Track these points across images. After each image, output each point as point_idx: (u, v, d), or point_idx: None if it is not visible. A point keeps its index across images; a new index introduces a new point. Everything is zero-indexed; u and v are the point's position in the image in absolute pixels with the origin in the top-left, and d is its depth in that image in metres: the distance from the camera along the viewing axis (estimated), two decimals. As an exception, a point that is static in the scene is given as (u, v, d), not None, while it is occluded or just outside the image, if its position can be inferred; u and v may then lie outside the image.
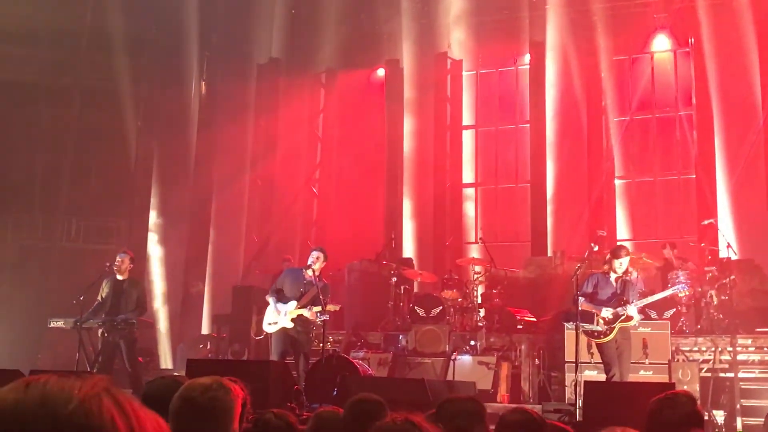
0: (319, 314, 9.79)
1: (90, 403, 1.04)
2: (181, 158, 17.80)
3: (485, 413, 3.56)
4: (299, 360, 10.05)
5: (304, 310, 9.89)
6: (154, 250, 17.15)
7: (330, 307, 9.80)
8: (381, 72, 18.33)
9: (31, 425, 1.01)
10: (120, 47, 16.77)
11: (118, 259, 10.85)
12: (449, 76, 17.72)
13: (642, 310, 9.78)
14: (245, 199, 18.13)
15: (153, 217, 17.37)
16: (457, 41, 17.27)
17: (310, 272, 10.07)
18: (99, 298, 10.83)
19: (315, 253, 10.28)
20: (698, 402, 4.12)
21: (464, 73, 17.80)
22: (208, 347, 14.78)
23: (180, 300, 17.03)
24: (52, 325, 11.20)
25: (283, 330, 10.06)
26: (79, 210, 17.07)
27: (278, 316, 10.08)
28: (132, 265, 10.99)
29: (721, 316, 11.49)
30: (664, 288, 10.70)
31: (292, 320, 9.98)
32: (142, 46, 16.97)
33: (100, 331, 10.69)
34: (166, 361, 15.75)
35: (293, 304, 10.00)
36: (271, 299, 10.25)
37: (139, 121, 17.48)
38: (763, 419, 8.55)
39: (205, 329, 16.54)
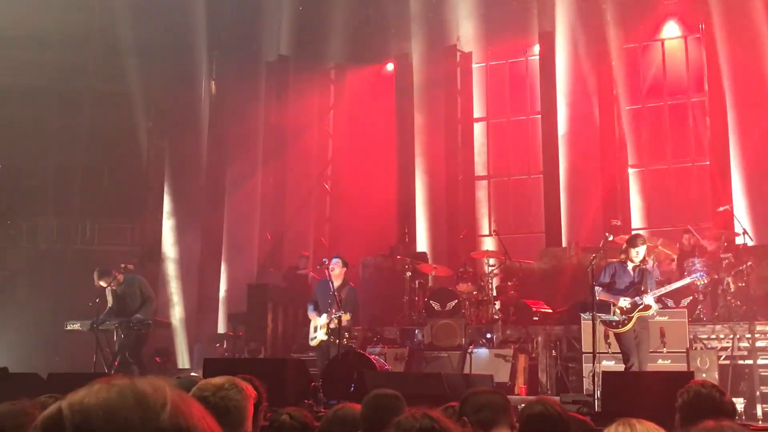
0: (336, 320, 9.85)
1: (183, 407, 1.04)
2: (192, 158, 17.83)
3: (509, 405, 3.54)
4: None
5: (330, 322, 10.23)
6: (169, 250, 17.19)
7: (344, 318, 9.94)
8: (390, 67, 18.29)
9: (134, 425, 1.00)
10: (129, 49, 16.80)
11: (104, 284, 10.97)
12: (459, 69, 17.66)
13: (659, 299, 9.71)
14: (258, 197, 18.14)
15: (166, 217, 17.40)
16: (465, 34, 17.21)
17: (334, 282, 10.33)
18: (108, 305, 10.99)
19: (333, 261, 10.55)
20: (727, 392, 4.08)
21: (474, 66, 17.74)
22: (225, 346, 14.83)
23: (196, 299, 17.07)
24: (68, 327, 11.28)
25: (323, 342, 10.40)
26: (92, 212, 17.14)
27: (317, 331, 10.46)
28: (120, 275, 11.08)
29: (738, 302, 11.40)
30: (681, 276, 10.63)
31: (326, 333, 10.28)
32: (151, 47, 16.99)
33: (115, 332, 10.76)
34: (183, 361, 15.80)
35: (324, 317, 10.34)
36: (310, 313, 10.63)
37: (150, 122, 17.52)
38: (783, 406, 8.50)
39: (221, 328, 16.59)
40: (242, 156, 18.09)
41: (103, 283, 11.03)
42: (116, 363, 10.62)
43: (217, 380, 2.96)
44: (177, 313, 16.48)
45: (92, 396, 1.02)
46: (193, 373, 11.97)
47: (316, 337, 10.47)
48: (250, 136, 18.10)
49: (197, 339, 16.12)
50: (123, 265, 11.33)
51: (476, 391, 3.62)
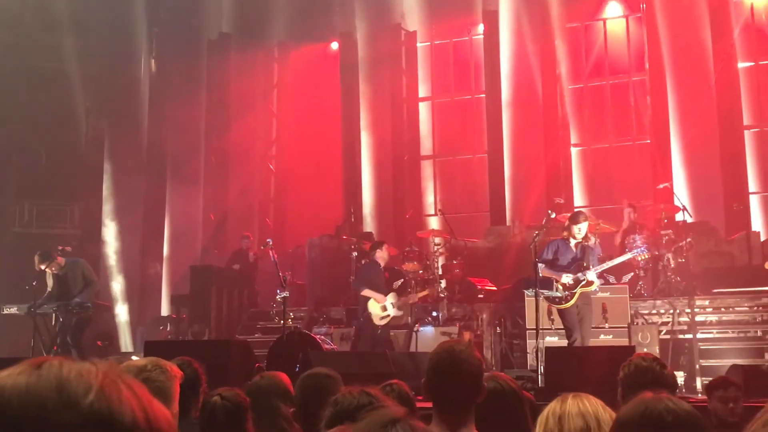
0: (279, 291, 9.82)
1: (110, 392, 0.97)
2: (133, 138, 17.45)
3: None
4: None
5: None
6: (109, 231, 16.85)
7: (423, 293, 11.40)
8: (335, 45, 18.14)
9: (49, 415, 0.93)
10: (66, 27, 16.33)
11: (45, 269, 10.74)
12: (404, 48, 17.61)
13: (601, 275, 9.85)
14: (200, 178, 17.89)
15: (106, 199, 17.04)
16: (410, 13, 17.14)
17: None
18: (49, 289, 10.72)
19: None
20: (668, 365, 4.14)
21: (419, 45, 17.71)
22: (168, 329, 14.62)
23: (138, 282, 16.79)
24: (5, 311, 11.02)
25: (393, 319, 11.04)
26: (30, 194, 16.68)
27: (386, 309, 10.86)
28: (56, 257, 10.84)
29: (678, 278, 11.62)
30: (622, 253, 10.79)
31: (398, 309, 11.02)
32: (87, 25, 16.54)
33: (54, 316, 10.52)
34: (126, 345, 15.55)
35: (392, 295, 10.98)
36: (372, 293, 10.89)
37: (88, 102, 17.07)
38: (721, 378, 8.68)
39: (164, 311, 16.35)
40: (184, 136, 17.78)
41: (43, 267, 10.76)
42: (55, 347, 10.39)
43: (140, 361, 2.89)
44: (118, 296, 16.18)
45: (12, 378, 0.96)
46: (134, 357, 11.79)
47: (388, 315, 10.78)
48: (191, 115, 17.79)
49: (140, 322, 15.88)
50: (61, 248, 11.10)
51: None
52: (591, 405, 2.45)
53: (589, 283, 9.24)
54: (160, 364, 2.88)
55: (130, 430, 0.96)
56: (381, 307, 10.78)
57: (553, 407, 2.48)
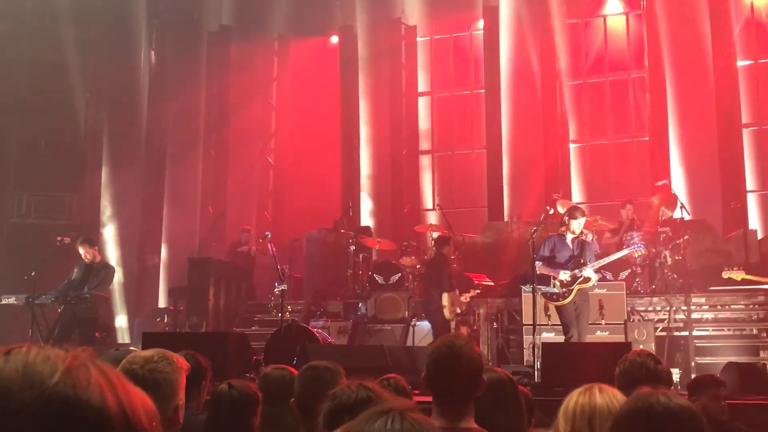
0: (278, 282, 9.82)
1: (77, 374, 0.97)
2: (132, 129, 17.45)
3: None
4: None
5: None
6: (107, 223, 16.85)
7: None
8: (335, 39, 18.12)
9: (12, 396, 0.94)
10: (66, 17, 16.31)
11: (80, 251, 10.69)
12: (403, 42, 17.60)
13: (597, 272, 9.86)
14: (199, 170, 17.88)
15: (105, 190, 17.04)
16: (410, 7, 17.14)
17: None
18: (69, 279, 10.66)
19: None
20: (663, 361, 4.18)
21: (418, 39, 17.70)
22: (166, 320, 14.63)
23: (135, 274, 16.80)
24: (3, 301, 10.99)
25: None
26: (29, 185, 16.69)
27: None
28: (96, 249, 10.83)
29: (675, 275, 11.65)
30: (620, 250, 10.81)
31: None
32: (88, 16, 16.52)
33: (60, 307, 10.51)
34: (123, 336, 15.57)
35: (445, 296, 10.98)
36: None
37: (88, 93, 17.06)
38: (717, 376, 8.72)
39: (161, 302, 16.37)
40: (183, 128, 17.78)
41: (82, 250, 10.66)
42: (54, 336, 10.38)
43: (147, 353, 2.90)
44: (116, 288, 16.19)
45: None
46: (132, 348, 11.80)
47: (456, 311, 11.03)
48: (191, 107, 17.79)
49: (137, 314, 15.88)
50: (60, 239, 11.07)
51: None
52: (619, 402, 2.44)
53: (586, 280, 9.26)
54: (167, 356, 2.90)
55: (99, 413, 0.96)
56: (450, 302, 10.95)
57: (580, 402, 2.47)
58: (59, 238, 10.99)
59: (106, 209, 16.95)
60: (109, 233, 16.74)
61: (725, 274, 10.38)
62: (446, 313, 10.87)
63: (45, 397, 0.94)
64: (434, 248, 11.78)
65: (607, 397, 2.46)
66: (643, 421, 2.03)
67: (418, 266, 12.81)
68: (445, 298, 10.86)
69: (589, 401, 2.45)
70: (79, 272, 10.64)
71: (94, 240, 11.09)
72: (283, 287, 9.81)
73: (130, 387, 1.03)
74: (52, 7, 16.28)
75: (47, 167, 16.54)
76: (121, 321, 15.93)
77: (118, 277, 16.12)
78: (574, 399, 2.48)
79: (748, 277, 10.28)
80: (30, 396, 0.94)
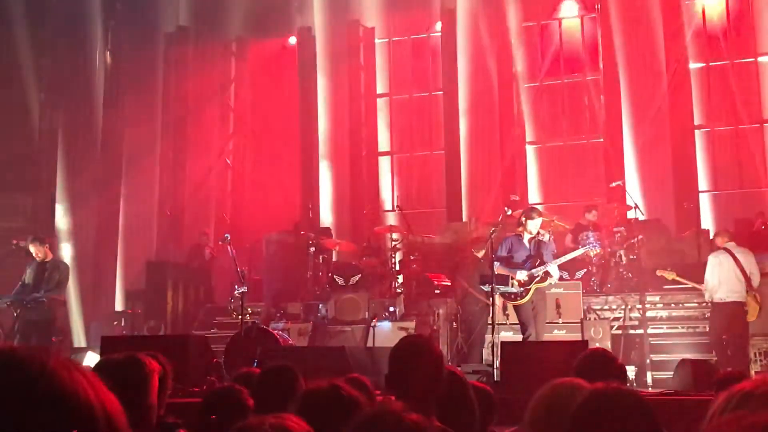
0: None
1: (62, 373, 1.01)
2: (87, 131, 17.23)
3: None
4: None
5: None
6: (62, 226, 16.62)
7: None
8: (293, 40, 18.09)
9: (3, 391, 0.97)
10: (19, 17, 16.06)
11: (31, 250, 10.51)
12: (362, 44, 17.64)
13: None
14: (156, 172, 17.70)
15: (60, 192, 16.80)
16: (368, 8, 17.18)
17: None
18: (21, 280, 10.49)
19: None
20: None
21: (377, 41, 17.76)
22: (123, 324, 14.48)
23: (91, 277, 16.59)
24: (-41, 307, 10.78)
25: None
26: (-19, 187, 16.41)
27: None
28: (47, 247, 10.66)
29: (630, 275, 11.85)
30: (575, 249, 10.96)
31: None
32: (42, 15, 16.29)
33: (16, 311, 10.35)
34: (79, 340, 15.36)
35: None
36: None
37: (42, 94, 16.82)
38: (671, 373, 8.91)
39: (118, 306, 16.18)
40: (140, 129, 17.59)
41: (32, 248, 10.46)
42: (16, 340, 10.22)
43: (118, 355, 2.91)
44: (72, 291, 15.97)
45: None
46: (89, 352, 11.68)
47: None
48: (148, 109, 17.61)
49: (93, 317, 15.69)
50: (15, 242, 10.90)
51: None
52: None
53: (543, 279, 9.39)
54: (139, 359, 2.92)
55: (86, 408, 1.00)
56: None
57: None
58: (15, 241, 10.82)
59: (61, 211, 16.71)
60: (64, 235, 16.51)
61: (659, 272, 10.79)
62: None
63: (38, 391, 0.98)
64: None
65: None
66: (594, 413, 2.12)
67: (378, 267, 12.85)
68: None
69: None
70: (32, 272, 10.47)
71: (44, 238, 10.91)
72: (243, 289, 9.78)
73: (104, 386, 1.07)
74: (4, 7, 16.01)
75: (1, 169, 16.27)
76: (76, 324, 15.71)
77: (73, 279, 15.93)
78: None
79: (677, 278, 10.69)
80: (23, 391, 0.97)
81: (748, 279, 9.93)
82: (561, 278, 10.86)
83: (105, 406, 1.03)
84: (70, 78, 17.02)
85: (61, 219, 16.64)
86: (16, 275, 10.89)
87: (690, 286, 10.77)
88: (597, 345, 9.57)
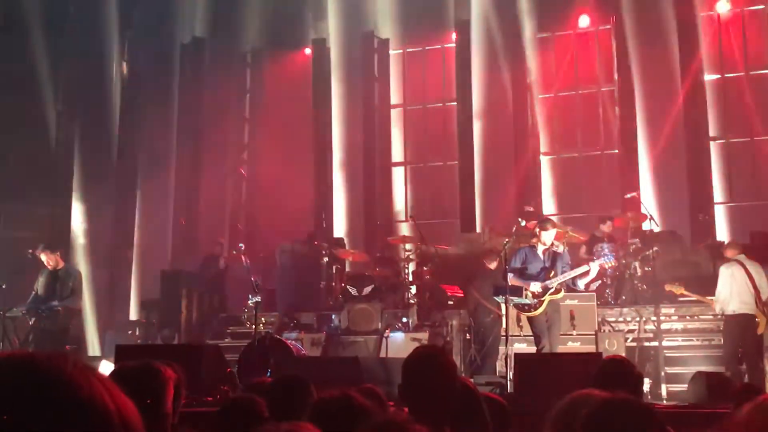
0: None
1: (79, 378, 1.02)
2: (104, 141, 17.35)
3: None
4: None
5: None
6: (78, 236, 16.72)
7: None
8: (308, 51, 18.18)
9: (23, 394, 0.98)
10: (37, 28, 16.21)
11: (42, 258, 10.59)
12: (376, 55, 17.69)
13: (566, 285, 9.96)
14: (171, 183, 17.80)
15: (76, 202, 16.92)
16: (383, 20, 17.24)
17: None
18: (34, 290, 10.55)
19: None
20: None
21: (391, 52, 17.80)
22: (137, 333, 14.55)
23: (107, 286, 16.67)
24: (-27, 315, 10.86)
25: None
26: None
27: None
28: (58, 255, 10.72)
29: (644, 286, 11.81)
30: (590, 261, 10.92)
31: None
32: (60, 27, 16.43)
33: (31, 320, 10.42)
34: (94, 348, 15.43)
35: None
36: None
37: (59, 105, 16.95)
38: (686, 385, 8.86)
39: (133, 315, 16.25)
40: (156, 140, 17.71)
41: (44, 256, 10.54)
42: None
43: (134, 363, 2.94)
44: (86, 300, 16.04)
45: None
46: (103, 361, 11.73)
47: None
48: (163, 119, 17.74)
49: (108, 326, 15.75)
50: (31, 251, 10.97)
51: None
52: None
53: (557, 291, 9.37)
54: (155, 366, 2.94)
55: (103, 414, 1.01)
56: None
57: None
58: (30, 251, 10.89)
59: (77, 221, 16.81)
60: (80, 245, 16.61)
61: (668, 287, 10.70)
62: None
63: (57, 397, 0.99)
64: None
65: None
66: (603, 423, 2.12)
67: (391, 278, 12.86)
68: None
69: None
70: (44, 280, 10.54)
71: (55, 246, 10.98)
72: (257, 299, 9.81)
73: (121, 393, 1.08)
74: (22, 18, 16.17)
75: (17, 179, 16.38)
76: (91, 333, 15.78)
77: (87, 289, 16.01)
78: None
79: (686, 292, 10.66)
80: (44, 395, 0.99)
81: (758, 292, 9.87)
82: (575, 289, 10.84)
83: (122, 413, 1.05)
84: (87, 89, 17.16)
85: (78, 228, 16.74)
86: (33, 284, 10.97)
87: (697, 299, 10.72)
88: (611, 357, 9.51)
